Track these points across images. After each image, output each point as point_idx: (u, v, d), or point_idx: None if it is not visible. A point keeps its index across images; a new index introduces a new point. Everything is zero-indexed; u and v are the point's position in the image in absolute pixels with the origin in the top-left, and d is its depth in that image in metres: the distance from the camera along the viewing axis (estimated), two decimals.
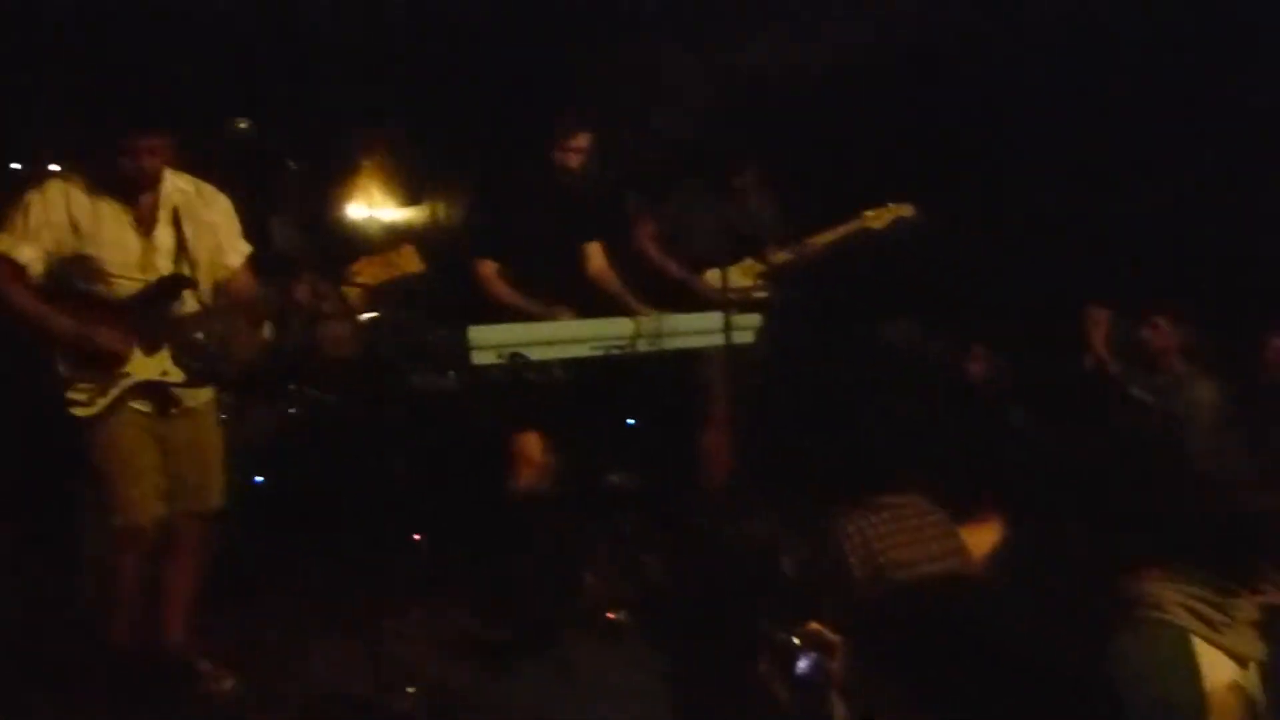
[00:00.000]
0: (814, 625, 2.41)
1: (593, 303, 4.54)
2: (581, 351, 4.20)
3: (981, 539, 2.96)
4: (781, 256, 5.12)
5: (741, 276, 4.99)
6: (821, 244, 5.13)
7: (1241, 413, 4.44)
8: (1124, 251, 5.56)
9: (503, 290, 4.40)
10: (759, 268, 5.11)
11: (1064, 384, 5.00)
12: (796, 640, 2.40)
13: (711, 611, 3.12)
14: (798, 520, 3.28)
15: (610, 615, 3.95)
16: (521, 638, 3.75)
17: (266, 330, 5.03)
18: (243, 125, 3.72)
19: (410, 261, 3.58)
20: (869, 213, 5.11)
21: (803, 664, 2.34)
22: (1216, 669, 2.28)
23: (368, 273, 3.58)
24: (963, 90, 5.95)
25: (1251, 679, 2.32)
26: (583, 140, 4.43)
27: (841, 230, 5.12)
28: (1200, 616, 2.30)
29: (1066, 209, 5.85)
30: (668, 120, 6.27)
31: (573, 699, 3.32)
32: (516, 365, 3.92)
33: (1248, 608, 2.33)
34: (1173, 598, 2.33)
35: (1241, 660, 2.30)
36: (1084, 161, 5.79)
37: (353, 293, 3.68)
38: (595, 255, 4.68)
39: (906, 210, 5.12)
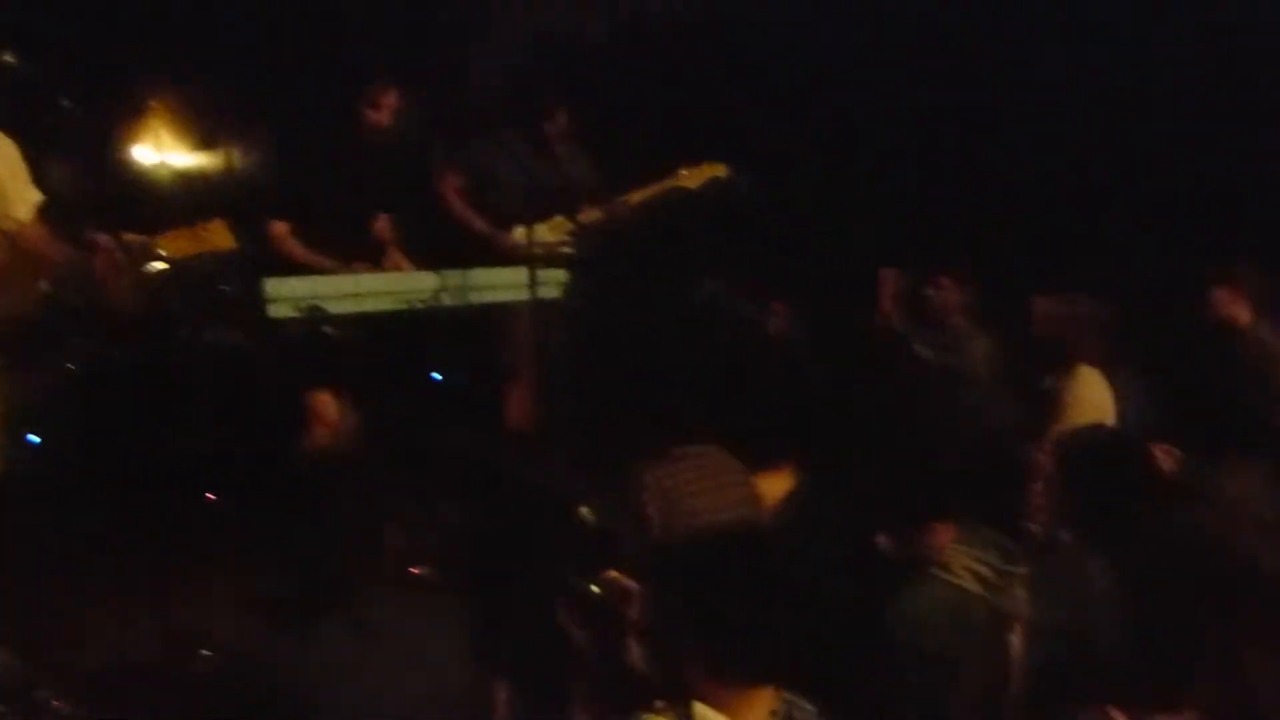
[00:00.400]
0: (613, 573, 2.46)
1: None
2: (384, 305, 4.12)
3: (774, 487, 3.07)
4: (593, 214, 5.07)
5: (550, 233, 4.95)
6: (634, 202, 5.06)
7: (1013, 367, 4.76)
8: (913, 215, 5.83)
9: (296, 249, 4.30)
10: (569, 225, 5.05)
11: (856, 340, 5.22)
12: (595, 588, 2.44)
13: (512, 562, 3.15)
14: (600, 472, 3.33)
15: (413, 570, 3.92)
16: (318, 596, 3.68)
17: (44, 283, 4.72)
18: (8, 59, 3.44)
19: (221, 237, 3.41)
20: (684, 171, 5.07)
21: (601, 610, 2.39)
22: (991, 628, 2.45)
23: (173, 246, 3.37)
24: (773, 51, 6.07)
25: (1018, 639, 2.50)
26: (392, 98, 4.35)
27: (655, 189, 5.05)
28: (982, 580, 2.46)
29: (866, 174, 6.08)
30: (476, 71, 6.17)
31: (372, 655, 3.29)
32: (314, 319, 3.82)
33: (1022, 572, 2.52)
34: (960, 561, 2.48)
35: (1012, 620, 2.49)
36: (883, 129, 6.02)
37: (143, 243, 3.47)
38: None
39: (720, 170, 5.11)
